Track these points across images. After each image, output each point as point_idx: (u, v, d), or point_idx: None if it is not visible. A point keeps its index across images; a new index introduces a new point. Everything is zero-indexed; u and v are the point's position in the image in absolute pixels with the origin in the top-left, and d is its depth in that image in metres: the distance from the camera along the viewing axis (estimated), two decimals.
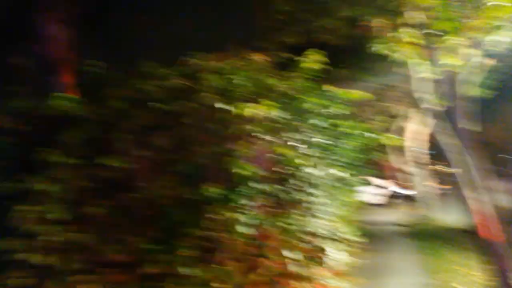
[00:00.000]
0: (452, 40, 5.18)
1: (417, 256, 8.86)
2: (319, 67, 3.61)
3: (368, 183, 20.24)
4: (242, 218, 2.71)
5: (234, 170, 2.68)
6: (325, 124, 3.38)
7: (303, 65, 3.60)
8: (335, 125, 3.49)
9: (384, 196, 22.04)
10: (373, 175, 20.44)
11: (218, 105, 2.82)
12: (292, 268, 3.01)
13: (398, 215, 16.44)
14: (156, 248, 2.82)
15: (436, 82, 5.46)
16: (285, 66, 4.01)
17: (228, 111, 2.81)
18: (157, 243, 2.84)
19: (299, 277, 3.12)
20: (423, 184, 14.93)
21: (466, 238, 5.60)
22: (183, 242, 2.73)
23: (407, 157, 15.02)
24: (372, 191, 20.89)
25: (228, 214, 2.69)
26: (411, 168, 14.90)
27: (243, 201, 2.75)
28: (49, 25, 6.77)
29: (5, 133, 3.31)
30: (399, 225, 13.94)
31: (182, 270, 2.68)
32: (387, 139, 4.53)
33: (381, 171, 25.45)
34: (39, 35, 6.87)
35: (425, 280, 7.00)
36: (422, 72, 5.54)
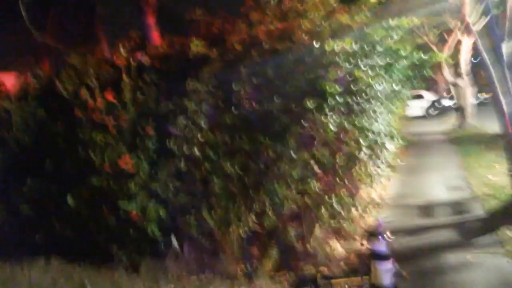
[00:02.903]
0: None
1: (457, 157, 9.97)
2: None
3: (419, 96, 21.43)
4: (331, 120, 4.05)
5: (325, 88, 3.95)
6: (387, 50, 4.52)
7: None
8: (395, 49, 4.61)
9: (432, 107, 23.10)
10: (424, 89, 21.41)
11: (311, 42, 4.02)
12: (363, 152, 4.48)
13: (443, 125, 17.34)
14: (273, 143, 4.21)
15: None
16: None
17: (319, 47, 4.00)
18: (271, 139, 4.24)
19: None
20: (467, 95, 15.51)
21: (502, 141, 6.51)
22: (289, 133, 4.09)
23: (456, 70, 15.49)
24: (422, 103, 22.30)
25: (322, 118, 4.04)
26: (458, 81, 15.41)
27: (331, 109, 4.08)
28: None
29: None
30: (443, 133, 14.96)
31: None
32: (435, 56, 5.36)
33: (434, 85, 25.78)
34: None
35: (464, 173, 8.19)
36: None
